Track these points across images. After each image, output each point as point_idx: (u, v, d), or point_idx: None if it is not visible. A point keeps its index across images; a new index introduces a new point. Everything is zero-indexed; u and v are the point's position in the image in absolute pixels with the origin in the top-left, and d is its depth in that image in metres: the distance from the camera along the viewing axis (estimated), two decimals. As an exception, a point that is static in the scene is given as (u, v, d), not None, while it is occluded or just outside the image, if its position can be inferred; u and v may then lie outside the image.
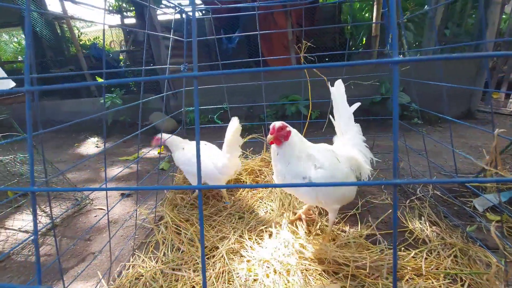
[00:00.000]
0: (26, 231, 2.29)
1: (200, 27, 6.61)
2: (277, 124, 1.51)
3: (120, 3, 7.95)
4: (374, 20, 6.25)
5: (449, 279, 1.42)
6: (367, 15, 7.66)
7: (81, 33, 9.85)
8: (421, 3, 5.89)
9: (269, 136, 1.50)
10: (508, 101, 4.76)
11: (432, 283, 1.38)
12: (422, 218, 1.93)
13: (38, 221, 2.33)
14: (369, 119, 4.47)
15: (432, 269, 1.47)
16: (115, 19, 8.39)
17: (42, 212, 2.38)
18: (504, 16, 5.48)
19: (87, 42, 10.05)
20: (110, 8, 7.92)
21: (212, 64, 2.99)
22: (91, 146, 4.71)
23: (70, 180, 2.73)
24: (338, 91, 1.79)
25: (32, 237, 2.18)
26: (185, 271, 1.57)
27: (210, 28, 6.76)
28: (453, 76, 4.10)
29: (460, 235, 1.73)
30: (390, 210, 2.06)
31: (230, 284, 1.47)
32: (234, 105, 3.04)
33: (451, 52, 5.57)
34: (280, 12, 5.02)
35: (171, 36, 1.80)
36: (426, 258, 1.53)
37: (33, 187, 0.50)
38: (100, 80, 8.81)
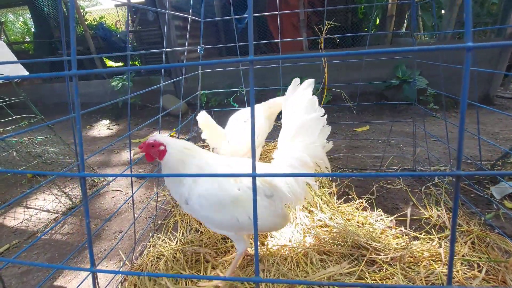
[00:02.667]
0: (48, 211, 2.37)
1: (207, 6, 6.40)
2: (149, 140, 1.22)
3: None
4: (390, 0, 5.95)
5: (466, 265, 1.43)
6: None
7: (86, 12, 9.66)
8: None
9: (136, 149, 1.24)
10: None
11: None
12: (439, 205, 1.92)
13: (58, 202, 2.41)
14: (383, 103, 4.39)
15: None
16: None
17: (62, 193, 2.44)
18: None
19: (92, 21, 9.88)
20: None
21: (221, 47, 2.91)
22: (102, 128, 4.75)
23: (87, 163, 2.78)
24: (298, 95, 1.40)
25: (54, 217, 2.26)
26: (205, 251, 1.62)
27: (218, 6, 6.55)
28: (473, 58, 3.93)
29: (477, 222, 1.73)
30: (410, 202, 2.06)
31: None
32: (246, 88, 2.99)
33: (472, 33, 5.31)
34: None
35: (190, 16, 1.74)
36: (441, 246, 1.54)
37: (83, 173, 0.50)
38: (107, 61, 8.73)
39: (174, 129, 3.98)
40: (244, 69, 2.68)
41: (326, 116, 1.39)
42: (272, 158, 1.47)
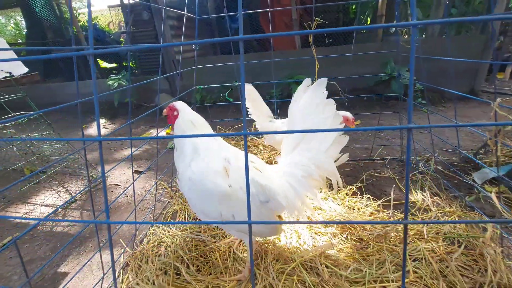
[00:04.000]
0: (47, 205, 2.42)
1: (201, 7, 6.48)
2: (173, 103, 1.37)
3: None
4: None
5: (448, 242, 1.54)
6: (373, -6, 7.46)
7: (79, 14, 9.65)
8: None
9: (164, 110, 1.39)
10: (512, 81, 4.76)
11: (432, 245, 1.50)
12: (424, 190, 2.04)
13: (58, 196, 2.46)
14: (373, 98, 4.52)
15: (432, 233, 1.59)
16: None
17: (62, 187, 2.50)
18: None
19: (85, 23, 9.87)
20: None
21: (216, 45, 3.00)
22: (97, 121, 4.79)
23: (88, 160, 2.84)
24: (311, 94, 1.27)
25: (53, 211, 2.32)
26: (204, 237, 1.70)
27: (212, 5, 6.64)
28: (458, 54, 4.09)
29: (459, 204, 1.85)
30: (394, 185, 2.17)
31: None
32: (239, 83, 3.10)
33: (457, 30, 5.50)
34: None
35: (185, 13, 1.82)
36: (427, 224, 1.65)
37: (100, 137, 0.58)
38: (101, 62, 8.72)
39: (170, 127, 4.04)
40: (234, 67, 2.76)
41: (343, 124, 1.28)
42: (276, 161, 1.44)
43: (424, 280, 1.31)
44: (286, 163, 1.32)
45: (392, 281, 1.29)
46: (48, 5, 7.53)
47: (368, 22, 7.10)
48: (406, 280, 1.29)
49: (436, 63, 3.89)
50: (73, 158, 2.76)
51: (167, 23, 4.51)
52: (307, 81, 1.29)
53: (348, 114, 2.04)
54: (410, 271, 1.34)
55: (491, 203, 1.83)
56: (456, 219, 1.70)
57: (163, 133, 3.92)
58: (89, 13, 0.68)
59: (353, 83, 4.51)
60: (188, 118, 1.32)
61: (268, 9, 2.12)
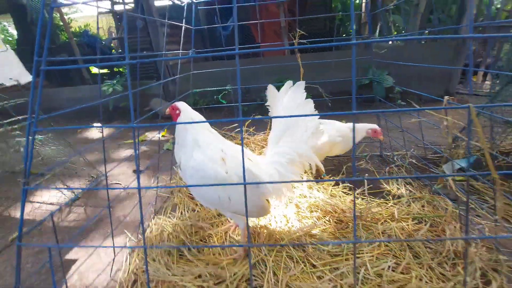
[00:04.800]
0: (51, 203, 2.55)
1: (191, 13, 6.70)
2: (175, 103, 1.53)
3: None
4: (363, 8, 6.48)
5: (416, 222, 1.78)
6: (357, 1, 7.87)
7: (71, 20, 9.73)
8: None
9: (167, 110, 1.54)
10: (484, 83, 5.16)
11: (402, 224, 1.74)
12: (398, 180, 2.29)
13: (61, 195, 2.60)
14: (356, 99, 4.80)
15: (403, 215, 1.83)
16: (105, 4, 8.33)
17: (65, 186, 2.63)
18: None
19: (77, 29, 9.94)
20: (102, -5, 7.86)
21: (208, 53, 3.21)
22: (94, 131, 4.90)
23: (88, 160, 2.99)
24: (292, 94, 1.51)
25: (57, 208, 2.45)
26: (203, 224, 1.89)
27: (203, 15, 6.87)
28: (432, 60, 4.44)
29: (428, 191, 2.10)
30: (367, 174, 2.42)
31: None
32: (232, 87, 3.31)
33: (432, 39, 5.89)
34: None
35: (183, 24, 2.03)
36: (398, 208, 1.89)
37: (133, 124, 0.77)
38: (92, 69, 8.79)
39: (165, 129, 4.21)
40: (230, 71, 2.97)
41: (320, 120, 1.54)
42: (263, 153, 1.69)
43: (394, 252, 1.54)
44: (272, 154, 1.54)
45: (366, 252, 1.51)
46: (38, 11, 7.59)
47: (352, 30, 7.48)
48: (378, 251, 1.52)
49: (414, 68, 4.22)
50: (74, 160, 2.91)
51: (161, 31, 4.71)
52: (288, 83, 1.54)
53: (375, 126, 2.30)
54: (381, 244, 1.56)
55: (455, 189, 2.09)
56: (425, 203, 1.95)
57: (159, 135, 4.09)
58: (125, 25, 0.87)
59: (339, 87, 4.79)
60: (189, 116, 1.51)
61: (257, 21, 2.34)
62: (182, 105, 1.54)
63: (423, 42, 5.82)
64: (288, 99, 1.52)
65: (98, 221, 2.22)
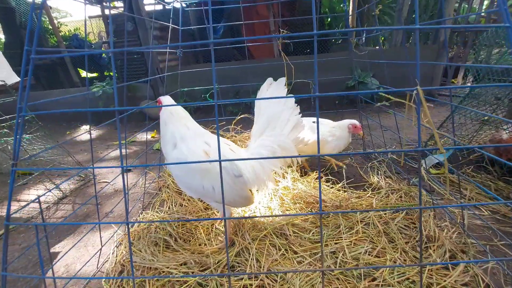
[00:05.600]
0: (39, 202, 2.55)
1: (184, 18, 6.79)
2: (160, 97, 1.61)
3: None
4: (350, 13, 6.68)
5: (393, 211, 1.87)
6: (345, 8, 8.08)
7: (61, 24, 9.67)
8: (394, -3, 6.39)
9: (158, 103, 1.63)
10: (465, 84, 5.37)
11: (380, 213, 1.82)
12: (380, 174, 2.39)
13: (49, 193, 2.60)
14: (343, 101, 4.96)
15: (381, 205, 1.92)
16: (95, 9, 8.33)
17: (52, 185, 2.64)
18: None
19: (67, 33, 9.89)
20: (92, -1, 7.87)
21: (198, 54, 3.29)
22: (83, 133, 4.89)
23: (77, 160, 3.00)
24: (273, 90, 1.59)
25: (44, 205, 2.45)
26: (189, 217, 1.94)
27: (194, 18, 6.96)
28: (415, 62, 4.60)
29: (406, 183, 2.20)
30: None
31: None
32: (222, 86, 3.39)
33: (414, 40, 6.13)
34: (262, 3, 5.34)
35: (170, 24, 2.10)
36: (378, 199, 1.98)
37: (117, 107, 0.83)
38: (81, 71, 8.74)
39: (155, 130, 4.24)
40: (219, 72, 3.05)
41: (300, 114, 1.61)
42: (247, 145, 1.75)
43: (371, 238, 1.62)
44: (255, 146, 1.60)
45: (345, 239, 1.59)
46: (26, 14, 7.55)
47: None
48: (355, 237, 1.60)
49: (398, 70, 4.37)
50: (62, 158, 2.91)
51: (151, 34, 4.76)
52: (269, 79, 1.63)
53: (355, 121, 2.42)
54: (359, 231, 1.64)
55: (431, 182, 2.20)
56: (403, 195, 2.04)
57: (148, 136, 4.12)
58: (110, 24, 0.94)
59: (327, 88, 4.94)
60: (169, 111, 1.56)
61: (243, 22, 2.43)
62: (165, 99, 1.60)
63: (407, 45, 6.04)
64: (269, 95, 1.60)
65: (85, 216, 2.24)
